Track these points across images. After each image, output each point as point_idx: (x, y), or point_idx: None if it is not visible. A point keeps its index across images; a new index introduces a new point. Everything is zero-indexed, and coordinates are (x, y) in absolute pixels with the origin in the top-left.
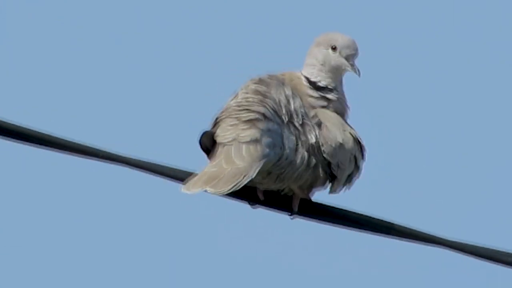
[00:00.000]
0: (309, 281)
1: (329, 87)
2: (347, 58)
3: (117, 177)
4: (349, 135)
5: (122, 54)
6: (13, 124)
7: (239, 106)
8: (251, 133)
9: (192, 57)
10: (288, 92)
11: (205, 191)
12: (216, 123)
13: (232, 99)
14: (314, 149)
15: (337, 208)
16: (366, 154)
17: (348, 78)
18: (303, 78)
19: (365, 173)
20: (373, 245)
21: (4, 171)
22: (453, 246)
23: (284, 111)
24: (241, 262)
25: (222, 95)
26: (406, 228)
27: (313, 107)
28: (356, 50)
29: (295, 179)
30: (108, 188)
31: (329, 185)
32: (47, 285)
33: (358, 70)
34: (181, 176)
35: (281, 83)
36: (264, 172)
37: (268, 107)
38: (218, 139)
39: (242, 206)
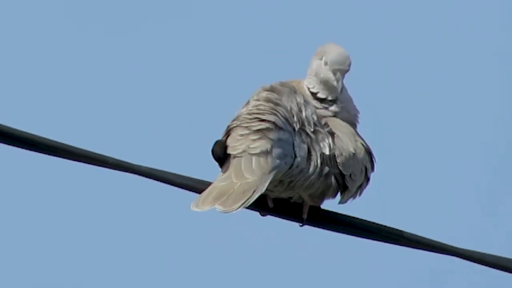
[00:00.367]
0: None
1: (329, 98)
2: (334, 72)
3: (127, 185)
4: (360, 145)
5: (137, 63)
6: (24, 132)
7: (250, 114)
8: (261, 144)
9: (205, 66)
10: (300, 99)
11: (215, 208)
12: (228, 132)
13: (244, 107)
14: (327, 158)
15: (347, 216)
16: (376, 165)
17: (348, 80)
18: (305, 88)
19: (374, 181)
20: (383, 253)
21: (14, 178)
22: (462, 254)
23: (295, 119)
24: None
25: (235, 103)
26: (415, 236)
27: (323, 116)
28: (343, 65)
29: (306, 187)
30: (118, 196)
31: (339, 195)
32: None
33: (340, 88)
34: (192, 185)
35: (293, 90)
36: (276, 181)
37: (279, 115)
38: (229, 150)
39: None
